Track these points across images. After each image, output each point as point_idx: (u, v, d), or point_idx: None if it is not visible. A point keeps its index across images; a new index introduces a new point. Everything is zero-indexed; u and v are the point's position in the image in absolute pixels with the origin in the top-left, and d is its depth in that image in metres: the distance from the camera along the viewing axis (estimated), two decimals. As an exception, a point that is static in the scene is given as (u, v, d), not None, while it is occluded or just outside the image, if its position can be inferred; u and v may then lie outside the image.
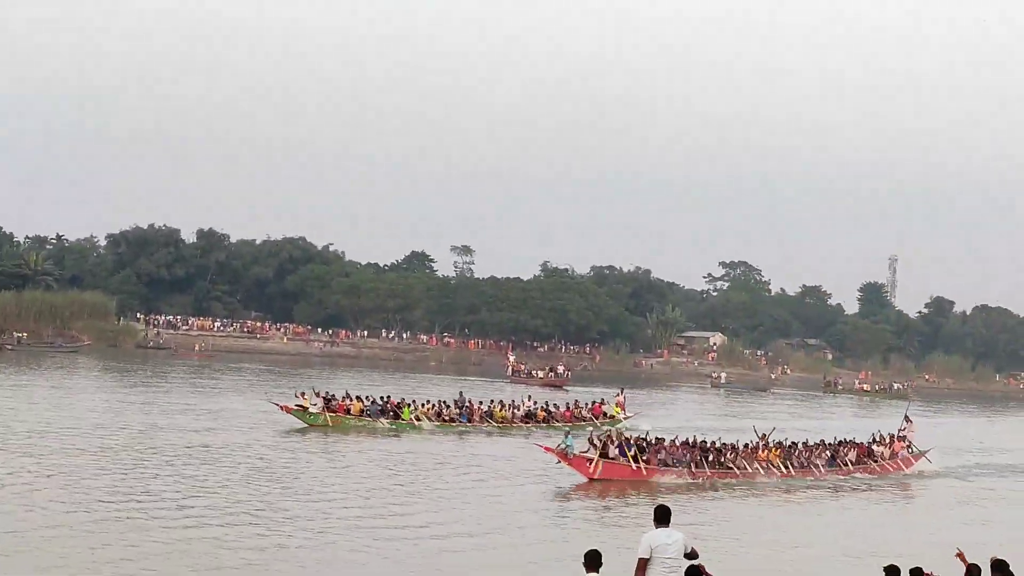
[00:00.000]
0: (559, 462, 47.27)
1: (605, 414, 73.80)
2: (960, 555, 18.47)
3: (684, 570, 15.34)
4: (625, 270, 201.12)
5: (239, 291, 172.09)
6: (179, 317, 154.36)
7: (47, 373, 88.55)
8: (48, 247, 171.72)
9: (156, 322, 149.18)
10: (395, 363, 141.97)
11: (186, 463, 44.87)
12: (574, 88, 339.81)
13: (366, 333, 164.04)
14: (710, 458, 50.04)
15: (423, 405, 66.18)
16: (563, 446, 47.82)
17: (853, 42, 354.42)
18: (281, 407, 61.81)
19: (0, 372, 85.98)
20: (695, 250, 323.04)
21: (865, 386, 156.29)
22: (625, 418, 73.98)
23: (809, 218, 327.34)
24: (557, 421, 68.90)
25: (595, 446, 48.11)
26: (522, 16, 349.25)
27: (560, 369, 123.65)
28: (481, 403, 69.74)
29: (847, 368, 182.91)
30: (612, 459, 47.59)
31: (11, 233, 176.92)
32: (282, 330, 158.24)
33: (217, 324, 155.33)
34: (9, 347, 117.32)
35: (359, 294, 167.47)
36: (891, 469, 56.73)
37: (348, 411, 63.06)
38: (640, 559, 15.36)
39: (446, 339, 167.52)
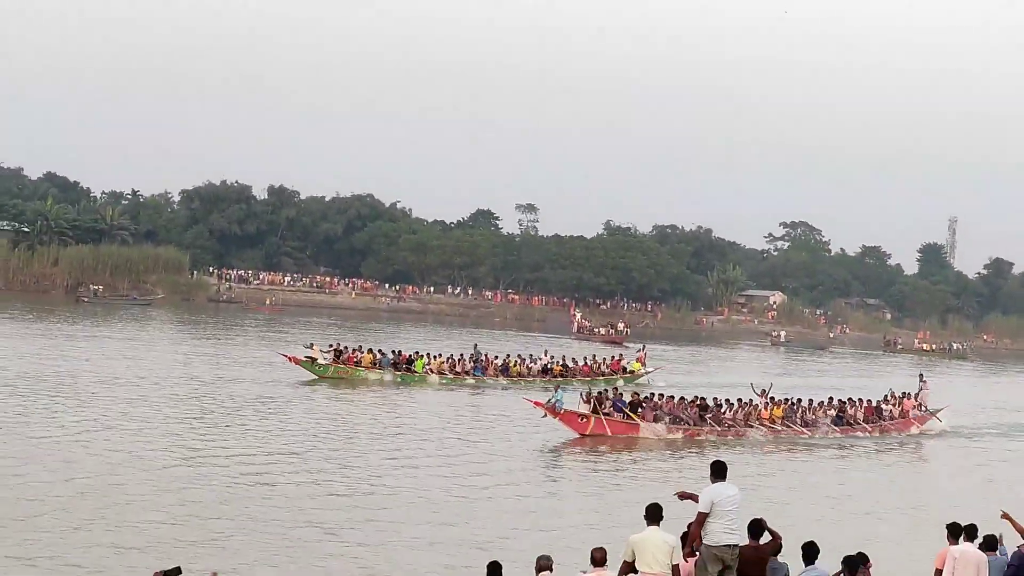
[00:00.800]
0: (545, 416, 45.88)
1: (625, 369, 72.11)
2: (1006, 515, 18.12)
3: (747, 523, 15.35)
4: (687, 229, 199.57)
5: (309, 247, 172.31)
6: (250, 272, 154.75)
7: (122, 325, 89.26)
8: (124, 202, 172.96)
9: (228, 276, 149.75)
10: (460, 318, 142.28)
11: (248, 414, 45.41)
12: (637, 52, 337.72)
13: (432, 289, 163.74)
14: (709, 415, 48.62)
15: (436, 358, 65.27)
16: (552, 401, 46.57)
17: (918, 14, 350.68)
18: (289, 358, 61.07)
19: (77, 324, 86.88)
20: (756, 210, 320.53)
21: (924, 346, 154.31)
22: (645, 373, 72.79)
23: (869, 179, 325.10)
24: (575, 376, 67.54)
25: (588, 402, 46.88)
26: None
27: (620, 326, 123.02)
28: (496, 357, 68.41)
29: (905, 328, 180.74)
30: (606, 415, 46.32)
31: (88, 188, 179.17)
32: (350, 285, 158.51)
33: (287, 279, 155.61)
34: (86, 299, 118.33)
35: (425, 251, 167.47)
36: (900, 428, 54.73)
37: (359, 363, 62.25)
38: (700, 513, 15.14)
39: (510, 296, 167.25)
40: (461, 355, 67.35)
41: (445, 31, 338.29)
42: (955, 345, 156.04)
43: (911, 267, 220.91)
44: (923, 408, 57.54)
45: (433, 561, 25.03)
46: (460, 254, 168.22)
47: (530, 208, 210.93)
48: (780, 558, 15.48)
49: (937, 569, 16.49)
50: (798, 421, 50.98)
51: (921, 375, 61.55)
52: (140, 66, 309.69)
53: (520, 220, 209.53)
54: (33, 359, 58.42)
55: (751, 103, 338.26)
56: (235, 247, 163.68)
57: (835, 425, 51.93)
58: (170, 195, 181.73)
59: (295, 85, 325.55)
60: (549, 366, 68.73)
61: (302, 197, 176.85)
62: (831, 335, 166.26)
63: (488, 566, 15.13)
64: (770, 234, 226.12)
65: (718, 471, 15.51)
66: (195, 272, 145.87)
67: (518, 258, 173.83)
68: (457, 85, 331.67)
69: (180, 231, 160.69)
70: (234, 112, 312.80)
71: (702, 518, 15.12)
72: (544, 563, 14.93)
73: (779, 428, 49.94)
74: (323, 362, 61.06)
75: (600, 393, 48.87)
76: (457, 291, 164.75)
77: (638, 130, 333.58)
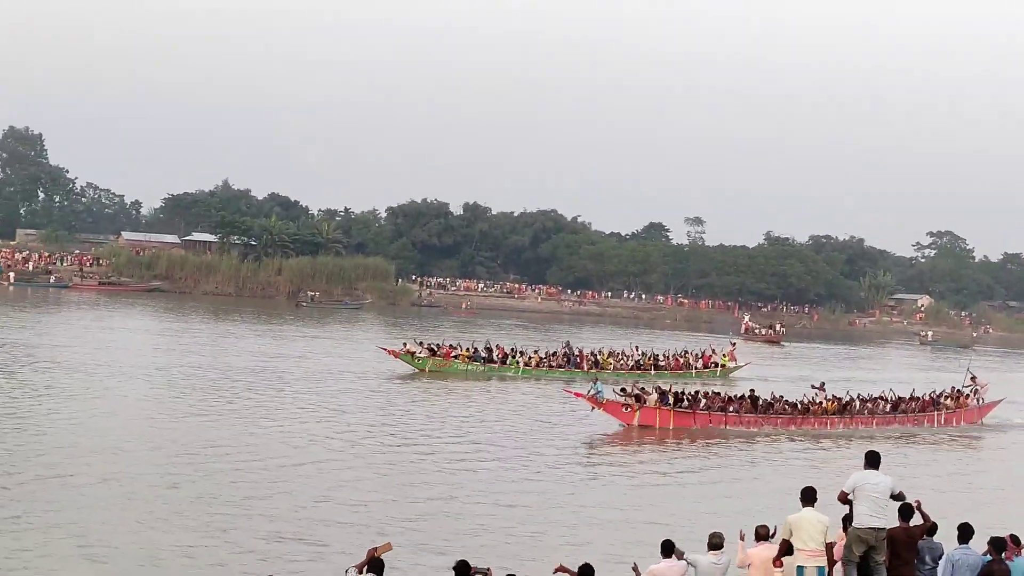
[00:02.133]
0: (593, 408, 43.15)
1: (716, 364, 68.85)
2: None
3: (898, 508, 14.93)
4: (840, 239, 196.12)
5: (499, 256, 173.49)
6: (448, 279, 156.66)
7: (336, 326, 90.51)
8: (337, 219, 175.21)
9: (428, 283, 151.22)
10: (634, 320, 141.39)
11: (439, 406, 45.59)
12: (785, 72, 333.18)
13: (609, 294, 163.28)
14: (757, 407, 45.32)
15: (532, 354, 62.88)
16: (593, 392, 43.89)
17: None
18: (388, 351, 59.76)
19: (296, 325, 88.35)
20: (905, 220, 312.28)
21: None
22: (735, 367, 69.26)
23: (1013, 189, 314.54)
24: (665, 370, 64.17)
25: (629, 394, 44.13)
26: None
27: (777, 327, 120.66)
28: (591, 353, 65.31)
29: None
30: (651, 407, 43.65)
31: (307, 207, 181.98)
32: (536, 291, 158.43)
33: (480, 285, 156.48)
34: (304, 304, 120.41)
35: (603, 260, 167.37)
36: (956, 420, 50.85)
37: (455, 357, 60.60)
38: (843, 491, 14.73)
39: (680, 300, 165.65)
40: (555, 352, 64.66)
41: (625, 59, 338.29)
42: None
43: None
44: (980, 401, 53.94)
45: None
46: (635, 263, 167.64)
47: (697, 221, 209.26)
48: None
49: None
50: (854, 413, 47.60)
51: (969, 371, 58.25)
52: (360, 101, 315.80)
53: (688, 232, 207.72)
54: (258, 356, 59.62)
55: (900, 121, 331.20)
56: (434, 257, 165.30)
57: (892, 415, 48.56)
58: (377, 212, 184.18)
59: (490, 113, 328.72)
60: (640, 361, 65.73)
61: (493, 212, 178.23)
62: (975, 335, 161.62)
63: (662, 543, 14.79)
64: (918, 243, 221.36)
65: (870, 460, 14.89)
66: (399, 280, 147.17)
67: (687, 266, 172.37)
68: (632, 109, 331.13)
69: (386, 243, 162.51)
70: (434, 136, 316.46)
71: (842, 496, 14.76)
72: (716, 541, 14.63)
73: (834, 420, 46.50)
74: (421, 355, 59.65)
75: (644, 386, 46.03)
76: (632, 296, 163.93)
77: (795, 146, 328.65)
